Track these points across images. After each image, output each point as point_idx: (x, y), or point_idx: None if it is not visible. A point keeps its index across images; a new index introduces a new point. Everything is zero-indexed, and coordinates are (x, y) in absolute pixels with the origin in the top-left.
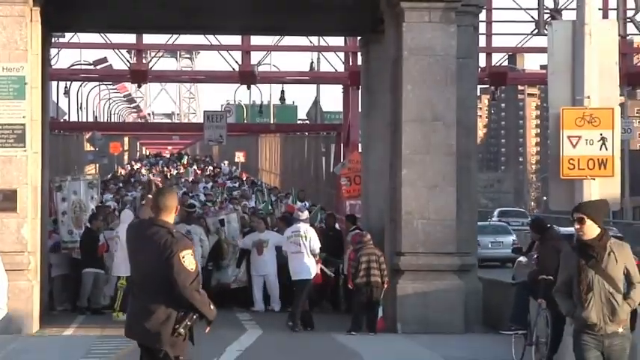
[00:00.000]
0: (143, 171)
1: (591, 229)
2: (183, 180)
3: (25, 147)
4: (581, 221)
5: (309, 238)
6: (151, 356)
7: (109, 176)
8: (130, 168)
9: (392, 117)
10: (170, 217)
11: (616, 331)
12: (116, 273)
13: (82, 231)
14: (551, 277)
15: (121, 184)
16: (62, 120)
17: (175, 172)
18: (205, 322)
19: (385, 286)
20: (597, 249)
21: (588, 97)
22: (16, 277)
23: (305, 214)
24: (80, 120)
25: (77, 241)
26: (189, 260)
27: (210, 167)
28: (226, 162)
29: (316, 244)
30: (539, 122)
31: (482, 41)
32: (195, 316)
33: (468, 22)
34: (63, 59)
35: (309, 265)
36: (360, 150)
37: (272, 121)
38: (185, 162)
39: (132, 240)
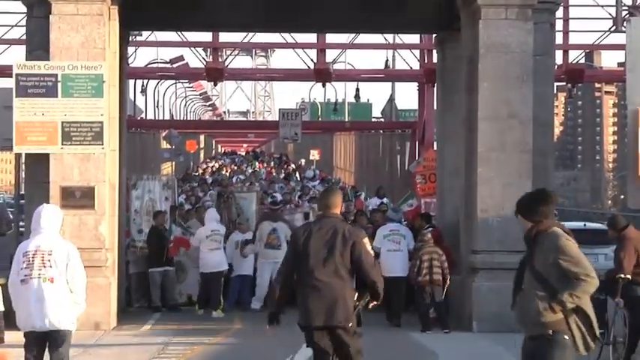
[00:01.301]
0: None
1: (524, 225)
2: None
3: (102, 145)
4: (517, 216)
5: (407, 237)
6: (333, 337)
7: (181, 176)
8: (206, 167)
9: (467, 114)
10: (338, 212)
11: (540, 334)
12: (203, 269)
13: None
14: (628, 277)
15: (195, 184)
16: (139, 118)
17: (251, 170)
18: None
19: (447, 283)
20: (529, 242)
21: None
22: (94, 273)
23: (400, 214)
24: (157, 118)
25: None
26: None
27: (291, 166)
28: (303, 160)
29: (412, 243)
30: (616, 120)
31: (559, 38)
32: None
33: (544, 19)
34: (140, 58)
35: (405, 263)
36: (435, 148)
37: (347, 119)
38: (259, 162)
39: (309, 232)
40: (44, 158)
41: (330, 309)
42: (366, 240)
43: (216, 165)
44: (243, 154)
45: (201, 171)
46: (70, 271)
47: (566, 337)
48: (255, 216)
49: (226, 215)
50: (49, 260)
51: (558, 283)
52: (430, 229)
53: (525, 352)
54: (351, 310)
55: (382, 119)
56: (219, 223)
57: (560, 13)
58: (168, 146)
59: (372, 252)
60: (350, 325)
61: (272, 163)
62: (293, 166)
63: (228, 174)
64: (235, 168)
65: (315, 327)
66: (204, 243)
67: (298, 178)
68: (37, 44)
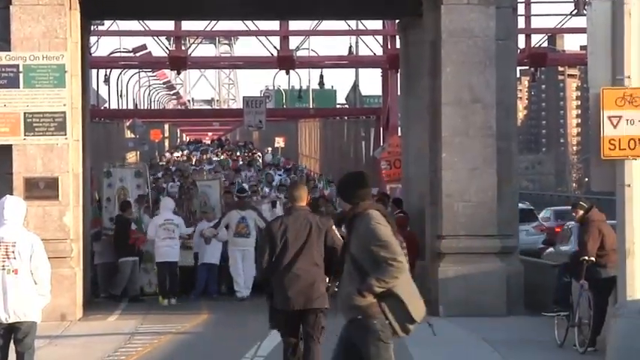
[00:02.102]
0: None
1: (344, 207)
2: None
3: (66, 135)
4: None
5: None
6: (309, 316)
7: (148, 165)
8: (171, 156)
9: (431, 100)
10: (305, 203)
11: (353, 317)
12: (157, 258)
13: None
14: (592, 259)
15: (159, 175)
16: (103, 108)
17: (216, 158)
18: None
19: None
20: (347, 226)
21: (629, 77)
22: (59, 264)
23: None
24: (120, 107)
25: None
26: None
27: (257, 154)
28: (269, 149)
29: None
30: (579, 103)
31: (521, 22)
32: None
33: (506, 4)
34: (102, 47)
35: None
36: (399, 133)
37: (311, 106)
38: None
39: (285, 225)
40: (7, 150)
41: (309, 294)
42: (334, 227)
43: (183, 155)
44: (209, 142)
45: (164, 161)
46: (34, 262)
47: (376, 322)
48: (219, 204)
49: (186, 206)
50: (12, 252)
51: (370, 268)
52: (401, 214)
53: (342, 336)
54: (325, 294)
55: (347, 106)
56: (176, 214)
57: None
58: (133, 136)
59: (340, 238)
60: (325, 307)
61: (238, 153)
62: (259, 153)
63: (193, 163)
64: (203, 157)
65: (294, 310)
66: (158, 232)
67: (261, 166)
68: None
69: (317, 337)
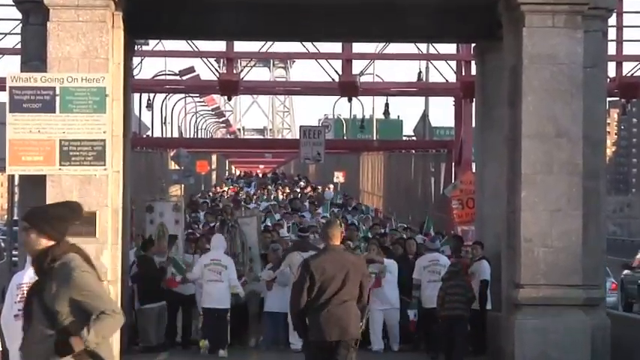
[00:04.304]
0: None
1: (36, 243)
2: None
3: (105, 165)
4: (26, 231)
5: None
6: (341, 348)
7: (188, 202)
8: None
9: (510, 132)
10: (339, 242)
11: None
12: (202, 304)
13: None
14: None
15: (201, 214)
16: (145, 136)
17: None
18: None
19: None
20: (39, 267)
21: None
22: None
23: (437, 243)
24: (164, 136)
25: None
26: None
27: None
28: (331, 185)
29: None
30: None
31: (611, 48)
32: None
33: (596, 27)
34: (146, 69)
35: None
36: (473, 169)
37: (375, 138)
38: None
39: (323, 264)
40: (40, 180)
41: (344, 326)
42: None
43: (229, 191)
44: (260, 176)
45: (210, 197)
46: None
47: None
48: (257, 243)
49: (228, 247)
50: None
51: (74, 320)
52: (483, 259)
53: None
54: (358, 326)
55: (414, 137)
56: (225, 253)
57: (613, 20)
58: (177, 167)
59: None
60: (358, 338)
61: (295, 188)
62: (320, 189)
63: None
64: (258, 193)
65: (329, 341)
66: (204, 273)
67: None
68: (33, 54)
69: None
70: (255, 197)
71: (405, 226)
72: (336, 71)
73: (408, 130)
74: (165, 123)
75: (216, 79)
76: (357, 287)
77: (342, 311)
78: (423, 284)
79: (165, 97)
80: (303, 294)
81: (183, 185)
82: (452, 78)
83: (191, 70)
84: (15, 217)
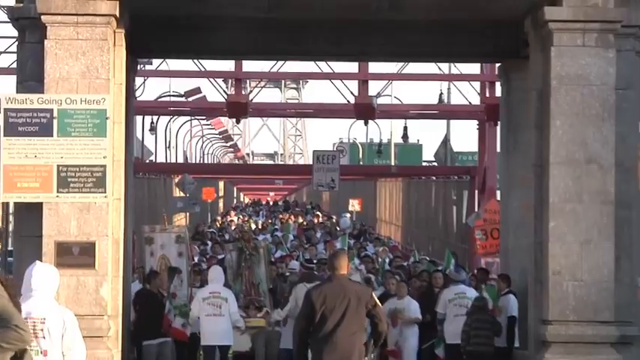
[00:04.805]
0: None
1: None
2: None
3: (105, 192)
4: None
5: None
6: None
7: (192, 234)
8: (229, 220)
9: (537, 158)
10: (345, 272)
11: None
12: (202, 341)
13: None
14: None
15: (208, 243)
16: (148, 161)
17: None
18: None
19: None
20: None
21: None
22: (94, 345)
23: (463, 274)
24: (169, 161)
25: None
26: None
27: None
28: (347, 214)
29: None
30: None
31: None
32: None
33: (629, 47)
34: (150, 90)
35: None
36: (498, 197)
37: (393, 163)
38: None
39: (325, 294)
40: (36, 208)
41: (345, 358)
42: (373, 294)
43: (239, 220)
44: (271, 203)
45: (216, 227)
46: (66, 342)
47: None
48: (265, 275)
49: (247, 277)
50: (41, 330)
51: None
52: (510, 295)
53: None
54: (362, 358)
55: (435, 163)
56: (224, 286)
57: None
58: (182, 194)
59: (381, 307)
60: None
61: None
62: (334, 217)
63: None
64: (269, 222)
65: None
66: (202, 308)
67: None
68: (30, 74)
69: None
70: (262, 227)
71: (428, 259)
72: (351, 92)
73: (428, 155)
74: (169, 147)
75: (223, 100)
76: (360, 318)
77: (345, 343)
78: (449, 318)
79: (170, 120)
80: (302, 324)
81: (188, 214)
82: (475, 100)
83: (197, 91)
84: (9, 248)
